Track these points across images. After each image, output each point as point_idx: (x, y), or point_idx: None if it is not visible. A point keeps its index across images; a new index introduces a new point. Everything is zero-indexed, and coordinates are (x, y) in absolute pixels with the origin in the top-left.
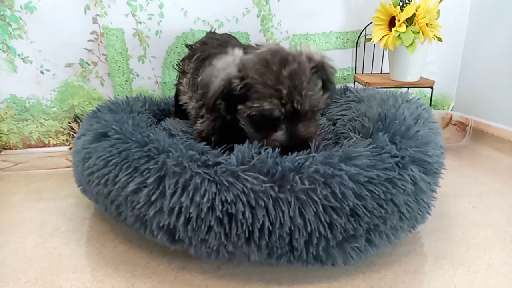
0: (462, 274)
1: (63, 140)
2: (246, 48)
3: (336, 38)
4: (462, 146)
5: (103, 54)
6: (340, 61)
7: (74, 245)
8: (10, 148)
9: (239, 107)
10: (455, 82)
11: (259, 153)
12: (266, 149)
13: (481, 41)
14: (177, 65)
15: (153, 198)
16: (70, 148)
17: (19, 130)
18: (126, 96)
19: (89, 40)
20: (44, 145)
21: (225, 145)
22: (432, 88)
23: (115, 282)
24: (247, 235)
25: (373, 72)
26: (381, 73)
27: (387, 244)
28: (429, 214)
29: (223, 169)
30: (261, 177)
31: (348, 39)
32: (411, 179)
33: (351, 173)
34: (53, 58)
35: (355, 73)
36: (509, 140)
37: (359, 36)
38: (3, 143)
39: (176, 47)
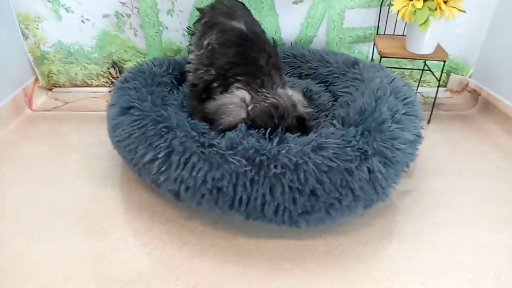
0: (405, 249)
1: (103, 82)
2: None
3: None
4: (469, 115)
5: (135, 8)
6: (363, 19)
7: (110, 189)
8: (60, 86)
9: None
10: (478, 49)
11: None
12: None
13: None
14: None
15: (162, 169)
16: (110, 91)
17: (66, 71)
18: (152, 62)
19: None
20: (88, 85)
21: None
22: (444, 62)
23: (138, 224)
24: (230, 204)
25: (395, 33)
26: (403, 34)
27: (344, 217)
28: (383, 199)
29: (215, 152)
30: (243, 161)
31: None
32: (368, 170)
33: (316, 162)
34: (92, 9)
35: (377, 33)
36: None
37: None
38: (54, 82)
39: (202, 2)
